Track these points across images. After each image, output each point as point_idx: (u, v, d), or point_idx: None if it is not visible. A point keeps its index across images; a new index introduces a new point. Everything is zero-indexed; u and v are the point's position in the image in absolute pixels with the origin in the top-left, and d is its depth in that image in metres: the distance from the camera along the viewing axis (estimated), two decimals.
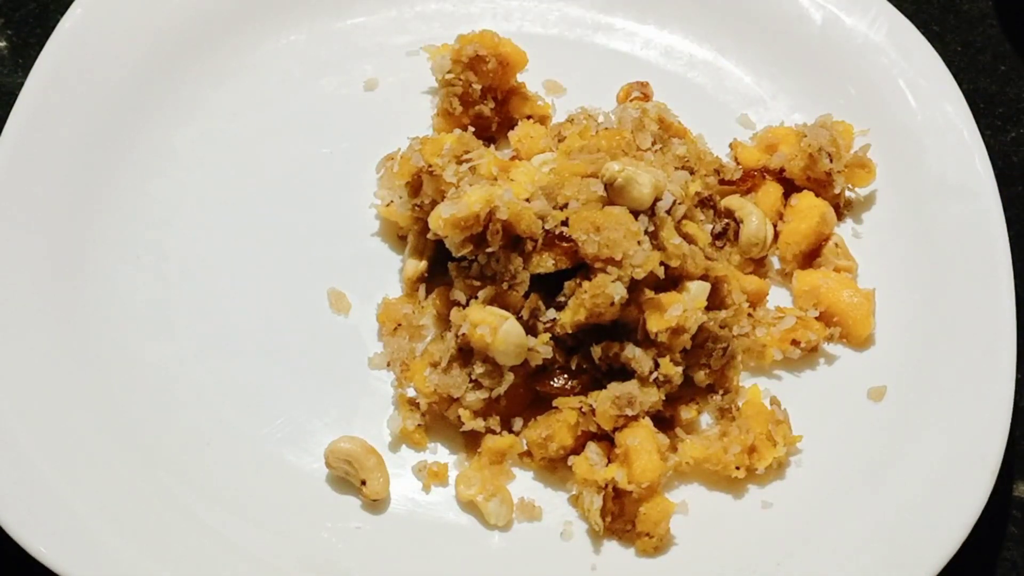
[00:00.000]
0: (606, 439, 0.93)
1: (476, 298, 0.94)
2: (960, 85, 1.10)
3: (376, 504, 0.92)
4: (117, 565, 0.85)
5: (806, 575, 0.88)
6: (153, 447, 0.92)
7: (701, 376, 0.95)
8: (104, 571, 0.84)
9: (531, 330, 0.93)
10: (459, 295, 0.95)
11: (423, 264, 1.00)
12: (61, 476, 0.88)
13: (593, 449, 0.92)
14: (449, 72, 1.09)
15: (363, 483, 0.91)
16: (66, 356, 0.95)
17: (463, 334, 0.92)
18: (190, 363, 0.98)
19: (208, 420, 0.95)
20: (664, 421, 0.94)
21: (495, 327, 0.91)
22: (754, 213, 1.02)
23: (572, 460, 0.92)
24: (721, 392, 0.97)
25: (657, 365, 0.92)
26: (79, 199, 1.02)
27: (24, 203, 0.99)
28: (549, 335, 0.92)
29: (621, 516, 0.90)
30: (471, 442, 0.95)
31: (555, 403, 0.93)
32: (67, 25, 1.08)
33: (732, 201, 1.04)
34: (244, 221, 1.05)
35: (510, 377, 0.92)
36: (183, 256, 1.03)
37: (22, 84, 1.05)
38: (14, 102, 1.03)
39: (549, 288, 0.93)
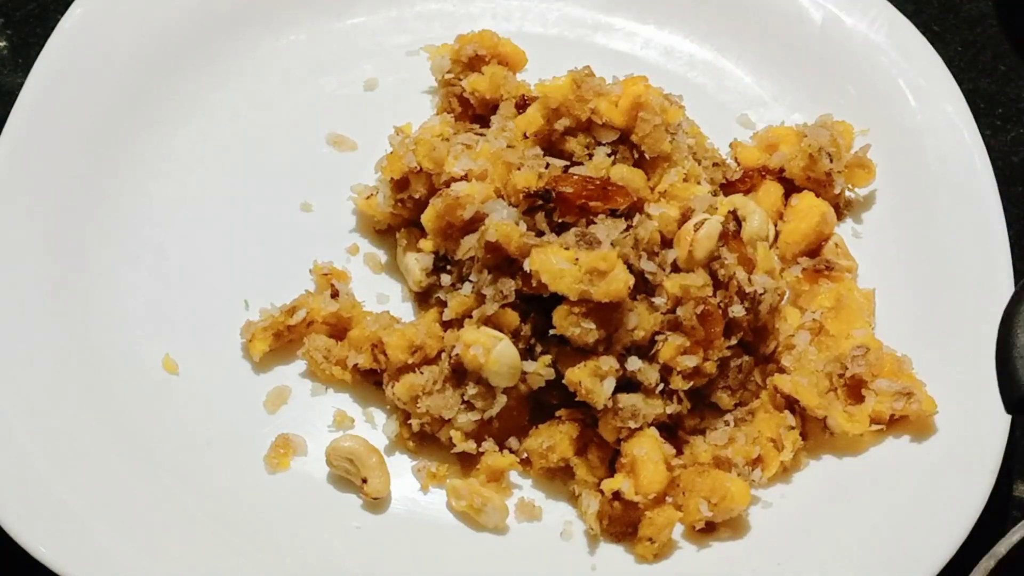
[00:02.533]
0: (607, 446, 0.92)
1: (471, 317, 0.93)
2: (960, 85, 1.10)
3: (377, 503, 0.91)
4: (117, 565, 0.84)
5: (806, 575, 0.88)
6: (153, 446, 0.92)
7: (725, 399, 0.94)
8: (104, 571, 0.84)
9: (527, 352, 0.92)
10: (452, 315, 0.94)
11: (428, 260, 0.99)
12: (61, 476, 0.88)
13: (595, 454, 0.91)
14: (449, 72, 1.09)
15: (364, 481, 0.91)
16: (66, 356, 0.95)
17: (456, 355, 0.91)
18: (190, 362, 0.97)
19: (208, 420, 0.95)
20: (668, 427, 0.93)
21: (488, 348, 0.90)
22: (756, 212, 1.02)
23: (574, 461, 0.92)
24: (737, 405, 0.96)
25: (665, 382, 0.91)
26: (79, 199, 1.02)
27: (24, 203, 0.99)
28: (550, 358, 0.91)
29: (620, 520, 0.90)
30: (466, 462, 0.94)
31: (557, 413, 0.93)
32: (67, 25, 1.08)
33: (735, 200, 1.03)
34: (244, 221, 1.05)
35: (503, 399, 0.91)
36: (183, 256, 1.03)
37: (22, 84, 1.05)
38: (14, 102, 1.03)
39: (546, 309, 0.91)
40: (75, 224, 1.01)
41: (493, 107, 1.06)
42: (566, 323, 0.88)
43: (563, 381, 0.90)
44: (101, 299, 0.99)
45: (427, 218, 0.96)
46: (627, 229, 0.91)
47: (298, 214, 1.06)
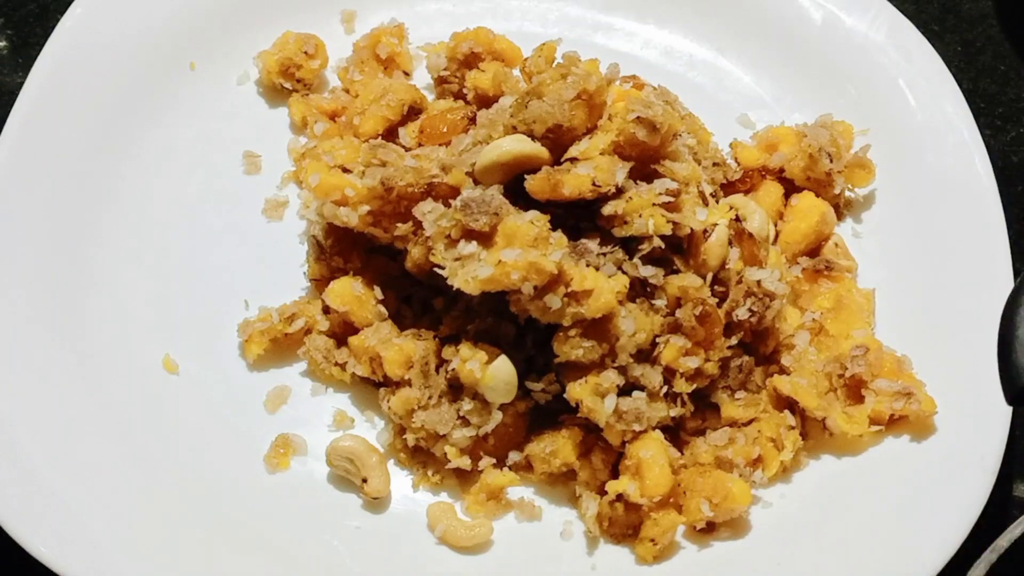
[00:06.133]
0: (611, 449, 0.92)
1: (467, 331, 0.93)
2: (960, 85, 1.10)
3: (377, 502, 0.91)
4: (117, 565, 0.85)
5: (806, 575, 0.88)
6: (153, 447, 0.92)
7: (727, 402, 0.94)
8: (104, 571, 0.84)
9: (530, 366, 0.92)
10: (447, 332, 0.94)
11: None
12: (61, 476, 0.88)
13: (599, 457, 0.91)
14: (445, 70, 1.10)
15: (364, 481, 0.91)
16: (66, 356, 0.95)
17: (453, 369, 0.91)
18: (190, 362, 0.98)
19: (208, 420, 0.95)
20: (669, 428, 0.93)
21: (484, 363, 0.89)
22: (757, 212, 1.02)
23: (578, 464, 0.91)
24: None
25: (669, 384, 0.91)
26: (79, 199, 1.02)
27: (24, 203, 0.99)
28: (554, 375, 0.91)
29: (621, 522, 0.90)
30: (463, 477, 0.93)
31: (560, 417, 0.92)
32: (67, 25, 1.08)
33: (735, 199, 1.03)
34: (244, 221, 1.05)
35: (498, 416, 0.90)
36: (183, 256, 1.03)
37: (22, 84, 1.05)
38: (14, 102, 1.03)
39: (547, 333, 0.91)
40: (75, 224, 1.01)
41: (491, 102, 1.06)
42: (567, 347, 0.88)
43: (564, 396, 0.90)
44: (101, 299, 0.99)
45: (409, 267, 0.95)
46: (619, 243, 0.91)
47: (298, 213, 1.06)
